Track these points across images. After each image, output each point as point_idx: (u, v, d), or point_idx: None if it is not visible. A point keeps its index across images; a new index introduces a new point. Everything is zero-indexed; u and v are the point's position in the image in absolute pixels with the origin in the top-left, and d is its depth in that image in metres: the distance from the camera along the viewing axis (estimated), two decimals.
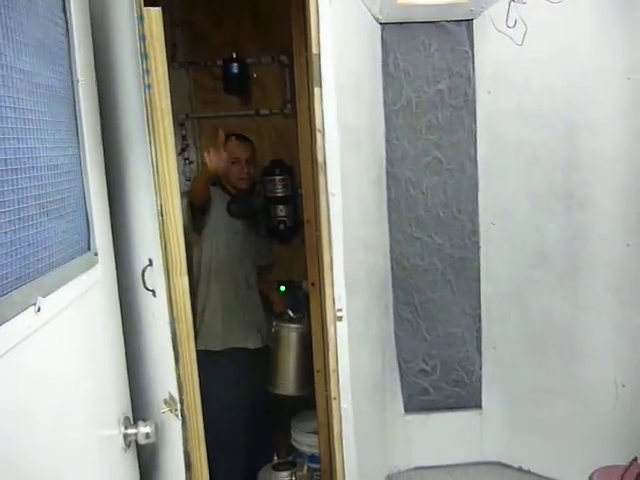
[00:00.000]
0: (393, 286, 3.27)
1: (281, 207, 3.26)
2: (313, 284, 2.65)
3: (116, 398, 1.46)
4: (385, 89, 3.10)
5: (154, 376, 1.51)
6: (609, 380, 2.93)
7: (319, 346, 2.64)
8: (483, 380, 3.32)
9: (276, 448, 3.17)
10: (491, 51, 3.03)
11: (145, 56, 1.29)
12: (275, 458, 2.94)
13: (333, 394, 2.24)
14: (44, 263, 1.10)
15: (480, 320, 3.29)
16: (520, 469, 3.24)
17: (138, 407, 1.56)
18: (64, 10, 1.24)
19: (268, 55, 3.32)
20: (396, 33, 3.05)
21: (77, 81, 1.28)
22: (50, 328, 1.10)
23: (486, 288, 3.25)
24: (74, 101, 1.28)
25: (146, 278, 1.45)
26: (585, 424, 3.01)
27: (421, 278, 3.25)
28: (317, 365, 2.65)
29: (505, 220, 3.16)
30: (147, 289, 1.46)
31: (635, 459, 2.07)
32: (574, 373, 3.03)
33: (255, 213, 3.20)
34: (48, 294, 1.10)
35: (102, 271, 1.39)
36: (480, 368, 3.32)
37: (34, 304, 1.04)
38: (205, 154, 2.77)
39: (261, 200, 3.13)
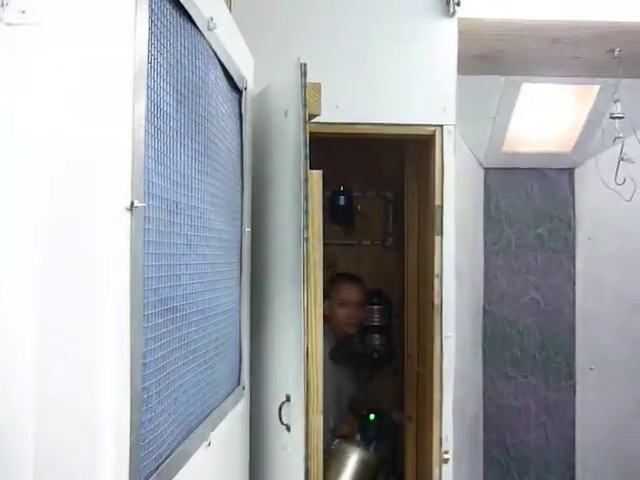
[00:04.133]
0: (484, 424, 3.23)
1: (376, 336, 3.31)
2: (410, 418, 2.66)
3: None
4: (486, 230, 3.21)
5: None
6: None
7: None
8: None
9: None
10: (593, 198, 3.11)
11: (306, 212, 1.44)
12: None
13: None
14: (213, 400, 1.21)
15: (574, 468, 3.18)
16: None
17: None
18: (241, 172, 1.42)
19: (373, 190, 3.50)
20: (499, 177, 3.19)
21: (245, 231, 1.44)
22: (213, 461, 1.19)
23: (582, 435, 3.16)
24: (240, 250, 1.43)
25: (282, 413, 1.53)
26: None
27: (514, 418, 3.20)
28: None
29: (604, 365, 3.12)
30: (282, 423, 1.53)
31: None
32: None
33: (359, 359, 3.07)
34: (214, 428, 1.20)
35: (245, 404, 1.49)
36: None
37: (206, 439, 1.14)
38: None
39: (362, 345, 2.97)
